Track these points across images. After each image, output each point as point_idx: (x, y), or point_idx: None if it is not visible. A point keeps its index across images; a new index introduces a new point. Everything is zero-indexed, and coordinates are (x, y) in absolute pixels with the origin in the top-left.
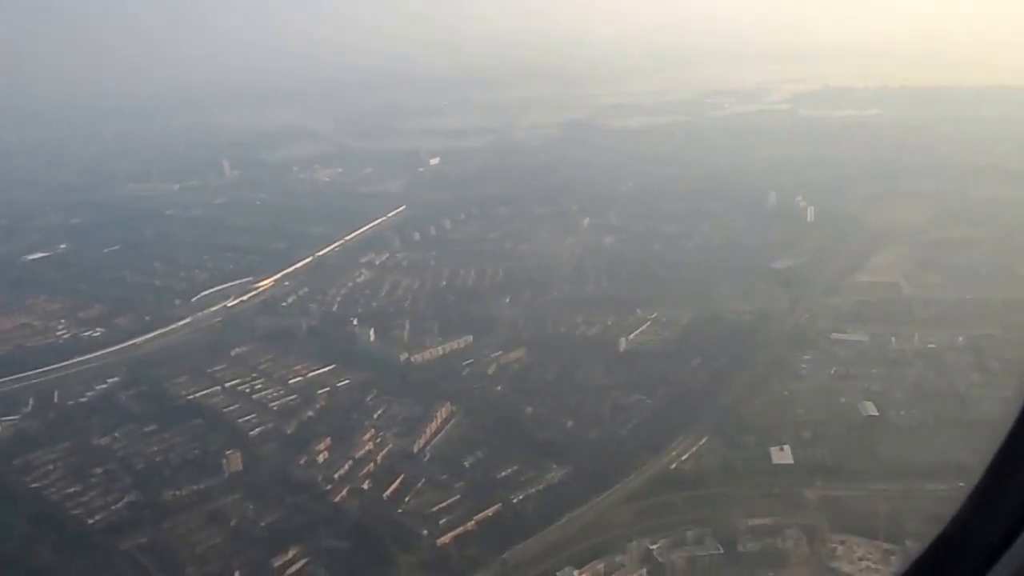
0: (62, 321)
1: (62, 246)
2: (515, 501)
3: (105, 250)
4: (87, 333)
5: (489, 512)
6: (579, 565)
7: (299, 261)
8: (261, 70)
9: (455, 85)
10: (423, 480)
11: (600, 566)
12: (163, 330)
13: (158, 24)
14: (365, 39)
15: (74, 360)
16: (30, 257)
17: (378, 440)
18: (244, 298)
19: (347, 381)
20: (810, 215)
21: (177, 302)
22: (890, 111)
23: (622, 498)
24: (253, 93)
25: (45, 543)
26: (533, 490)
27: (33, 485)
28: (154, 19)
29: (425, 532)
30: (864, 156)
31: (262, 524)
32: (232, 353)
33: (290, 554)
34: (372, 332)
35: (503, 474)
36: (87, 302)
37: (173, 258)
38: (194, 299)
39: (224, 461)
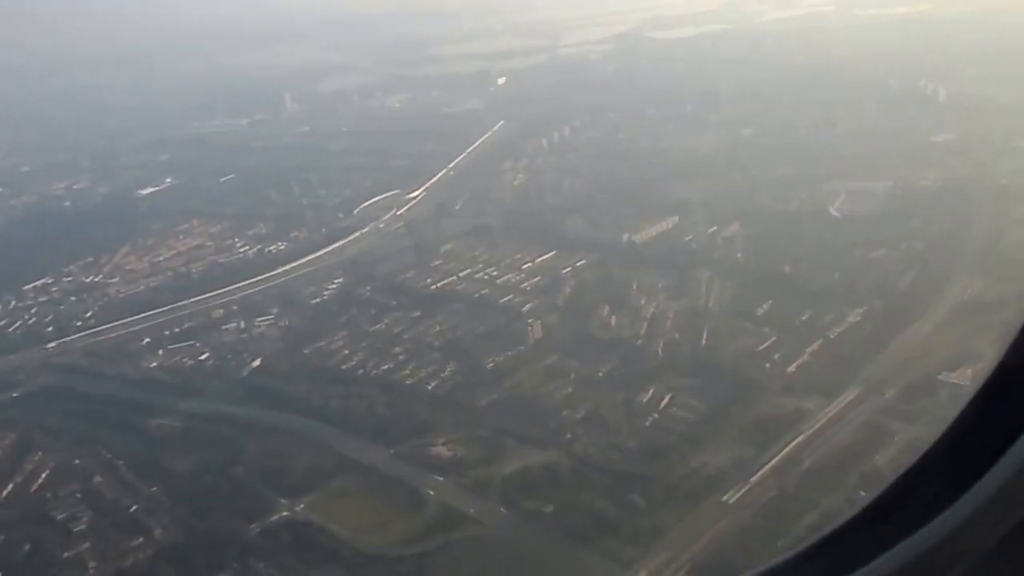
0: (236, 240)
1: (168, 180)
2: (832, 336)
3: (221, 179)
4: (270, 248)
5: (815, 346)
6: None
7: (436, 173)
8: (237, 15)
9: (460, 14)
10: (728, 328)
11: (968, 371)
12: (348, 239)
13: None
14: None
15: (279, 270)
16: (144, 192)
17: (656, 304)
18: (407, 208)
19: (583, 261)
20: (942, 96)
21: (340, 215)
22: (947, 5)
23: (939, 324)
24: (250, 35)
25: (411, 406)
26: (844, 326)
27: (344, 367)
28: None
29: (767, 365)
30: (950, 46)
31: (600, 374)
32: (442, 250)
33: (650, 392)
34: (578, 220)
35: (803, 318)
36: (248, 222)
37: (304, 180)
38: (356, 211)
39: (529, 329)
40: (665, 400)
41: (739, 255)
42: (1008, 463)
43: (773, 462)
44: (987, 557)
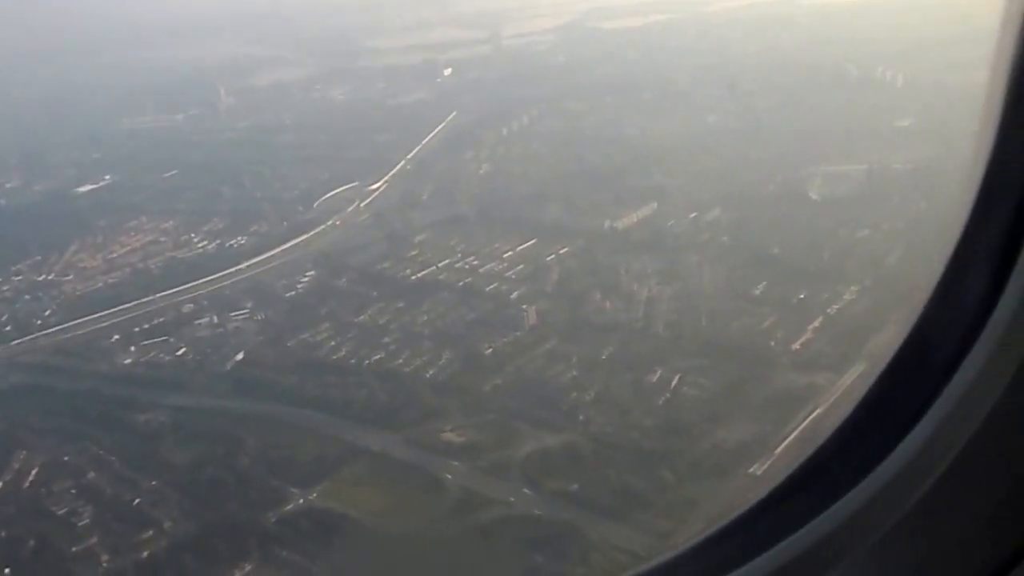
0: (191, 235)
1: (107, 177)
2: (832, 313)
3: (164, 175)
4: (231, 243)
5: (816, 323)
6: None
7: (395, 165)
8: (150, 10)
9: (389, 4)
10: (726, 309)
11: None
12: (313, 232)
13: None
14: None
15: (244, 264)
16: (82, 189)
17: (648, 288)
18: (370, 200)
19: (566, 248)
20: (900, 82)
21: (300, 208)
22: None
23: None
24: (169, 29)
25: (413, 393)
26: (842, 303)
27: (334, 357)
28: None
29: (772, 343)
30: (902, 33)
31: (603, 357)
32: (416, 240)
33: (659, 373)
34: (553, 208)
35: (800, 296)
36: (201, 218)
37: (255, 173)
38: (316, 204)
39: (523, 316)
40: (675, 380)
41: (725, 238)
42: (909, 446)
43: (795, 434)
44: (886, 540)
